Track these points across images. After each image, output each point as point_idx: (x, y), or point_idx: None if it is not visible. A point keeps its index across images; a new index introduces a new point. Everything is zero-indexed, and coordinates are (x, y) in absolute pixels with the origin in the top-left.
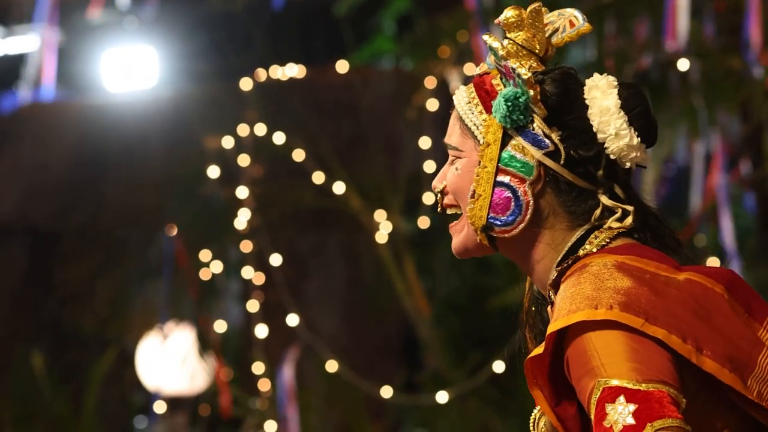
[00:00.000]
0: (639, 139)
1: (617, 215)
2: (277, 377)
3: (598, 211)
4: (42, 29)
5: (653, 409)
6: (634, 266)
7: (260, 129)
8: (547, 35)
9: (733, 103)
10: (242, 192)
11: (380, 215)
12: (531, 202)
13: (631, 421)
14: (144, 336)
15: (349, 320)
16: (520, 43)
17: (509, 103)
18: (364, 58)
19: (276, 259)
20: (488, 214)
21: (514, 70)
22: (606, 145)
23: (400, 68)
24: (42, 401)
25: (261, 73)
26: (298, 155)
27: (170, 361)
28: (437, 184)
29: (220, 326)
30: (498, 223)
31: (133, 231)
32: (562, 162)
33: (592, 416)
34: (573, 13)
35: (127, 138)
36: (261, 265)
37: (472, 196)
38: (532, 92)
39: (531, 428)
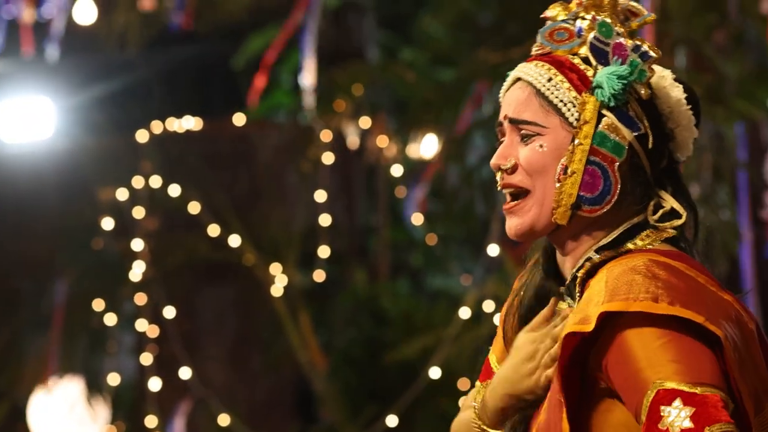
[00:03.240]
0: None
1: (680, 221)
2: (168, 430)
3: (652, 205)
4: None
5: (710, 414)
6: (685, 273)
7: (156, 181)
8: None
9: None
10: (137, 244)
11: (276, 268)
12: (619, 183)
13: (688, 424)
14: (35, 389)
15: (244, 374)
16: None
17: (624, 81)
18: (262, 111)
19: (170, 312)
20: (578, 192)
21: (638, 48)
22: (674, 135)
23: (297, 121)
24: None
25: (157, 125)
26: (194, 207)
27: (61, 414)
28: (501, 161)
29: (113, 379)
30: (587, 201)
31: (26, 282)
32: (649, 147)
33: (644, 417)
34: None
35: (21, 189)
36: (155, 317)
37: (564, 173)
38: (648, 73)
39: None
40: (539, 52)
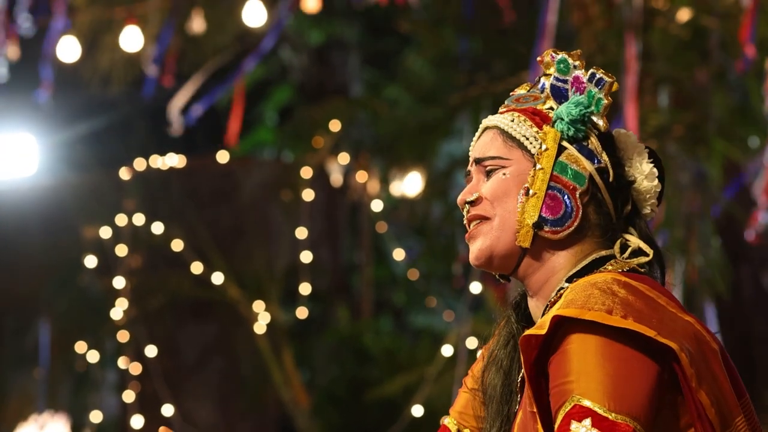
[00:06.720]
0: (660, 189)
1: (645, 259)
2: None
3: (618, 244)
4: None
5: None
6: (644, 293)
7: (139, 218)
8: None
9: None
10: (119, 282)
11: (259, 306)
12: (581, 209)
13: None
14: (19, 426)
15: (226, 411)
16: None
17: (581, 109)
18: (246, 148)
19: (152, 350)
20: (540, 213)
21: (594, 76)
22: (637, 183)
23: (279, 159)
24: None
25: (141, 162)
26: (177, 245)
27: None
28: (467, 196)
29: (96, 416)
30: (548, 222)
31: (9, 318)
32: (610, 180)
33: (556, 426)
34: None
35: (4, 226)
36: (138, 355)
37: (526, 194)
38: (605, 101)
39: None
40: (504, 109)
